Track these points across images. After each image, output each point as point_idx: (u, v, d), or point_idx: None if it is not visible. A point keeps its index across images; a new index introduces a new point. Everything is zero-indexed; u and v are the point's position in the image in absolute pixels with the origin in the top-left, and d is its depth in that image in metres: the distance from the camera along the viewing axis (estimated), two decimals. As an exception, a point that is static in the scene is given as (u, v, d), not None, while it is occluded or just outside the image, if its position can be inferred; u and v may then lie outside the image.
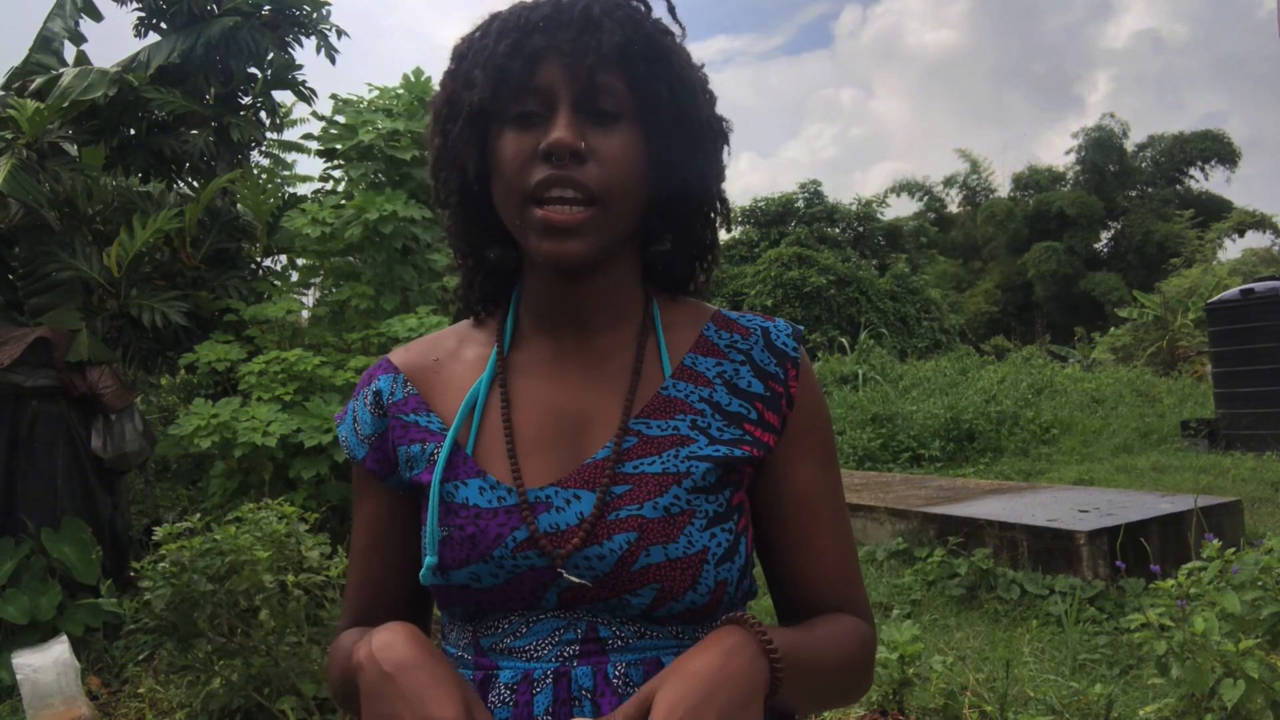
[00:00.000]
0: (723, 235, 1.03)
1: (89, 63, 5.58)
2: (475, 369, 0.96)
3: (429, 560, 0.87)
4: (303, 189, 6.57)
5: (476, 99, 0.86)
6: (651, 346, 0.94)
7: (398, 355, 1.01)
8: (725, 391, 0.92)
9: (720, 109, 0.96)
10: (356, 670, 0.79)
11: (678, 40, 0.91)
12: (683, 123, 0.89)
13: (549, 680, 0.84)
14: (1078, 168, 29.98)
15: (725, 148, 0.95)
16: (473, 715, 0.75)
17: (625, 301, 0.95)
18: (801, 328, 1.01)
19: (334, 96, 5.47)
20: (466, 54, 0.90)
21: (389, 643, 0.78)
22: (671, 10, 0.92)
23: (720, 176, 0.96)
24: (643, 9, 0.90)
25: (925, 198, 32.75)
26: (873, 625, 0.95)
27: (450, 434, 0.90)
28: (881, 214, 27.62)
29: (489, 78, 0.86)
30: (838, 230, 26.02)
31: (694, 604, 0.85)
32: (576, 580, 0.84)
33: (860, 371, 14.42)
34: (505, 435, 0.89)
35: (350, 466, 1.05)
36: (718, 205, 0.97)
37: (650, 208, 0.91)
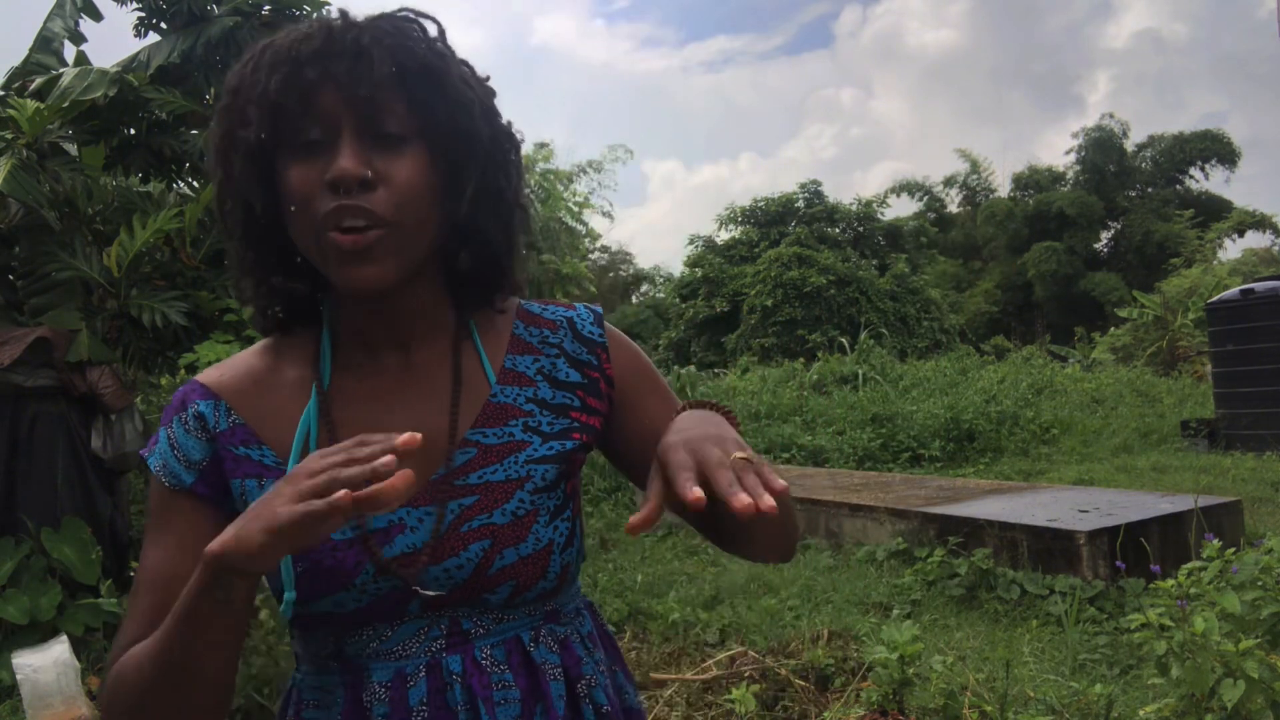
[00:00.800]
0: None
1: (88, 63, 5.58)
2: (297, 393, 0.95)
3: (288, 596, 0.88)
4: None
5: (253, 136, 0.86)
6: (470, 354, 0.98)
7: (210, 379, 0.97)
8: (548, 386, 0.98)
9: (505, 120, 0.96)
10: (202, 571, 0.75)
11: (455, 60, 0.92)
12: (465, 139, 0.89)
13: (422, 674, 0.89)
14: (1078, 168, 29.99)
15: (517, 159, 0.96)
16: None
17: (437, 314, 0.97)
18: (599, 309, 1.05)
19: (334, 96, 5.47)
20: (239, 89, 0.88)
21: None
22: (442, 34, 0.92)
23: (516, 185, 0.96)
24: (416, 32, 0.90)
25: (925, 198, 32.77)
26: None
27: (290, 470, 0.87)
28: (881, 214, 27.64)
29: (264, 114, 0.85)
30: (838, 230, 26.03)
31: (544, 589, 0.94)
32: (434, 594, 0.89)
33: (860, 371, 14.42)
34: None
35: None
36: (515, 212, 0.97)
37: (447, 222, 0.92)
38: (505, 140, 0.95)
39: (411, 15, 0.91)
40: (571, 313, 1.02)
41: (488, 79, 0.96)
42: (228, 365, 0.98)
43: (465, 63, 0.93)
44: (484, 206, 0.93)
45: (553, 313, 1.02)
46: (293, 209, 0.86)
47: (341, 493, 0.69)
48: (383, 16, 0.90)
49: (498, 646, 0.92)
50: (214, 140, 0.92)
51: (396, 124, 0.86)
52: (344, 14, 0.89)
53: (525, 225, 0.99)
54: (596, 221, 33.94)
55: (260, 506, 0.74)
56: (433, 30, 0.91)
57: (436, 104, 0.87)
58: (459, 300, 0.99)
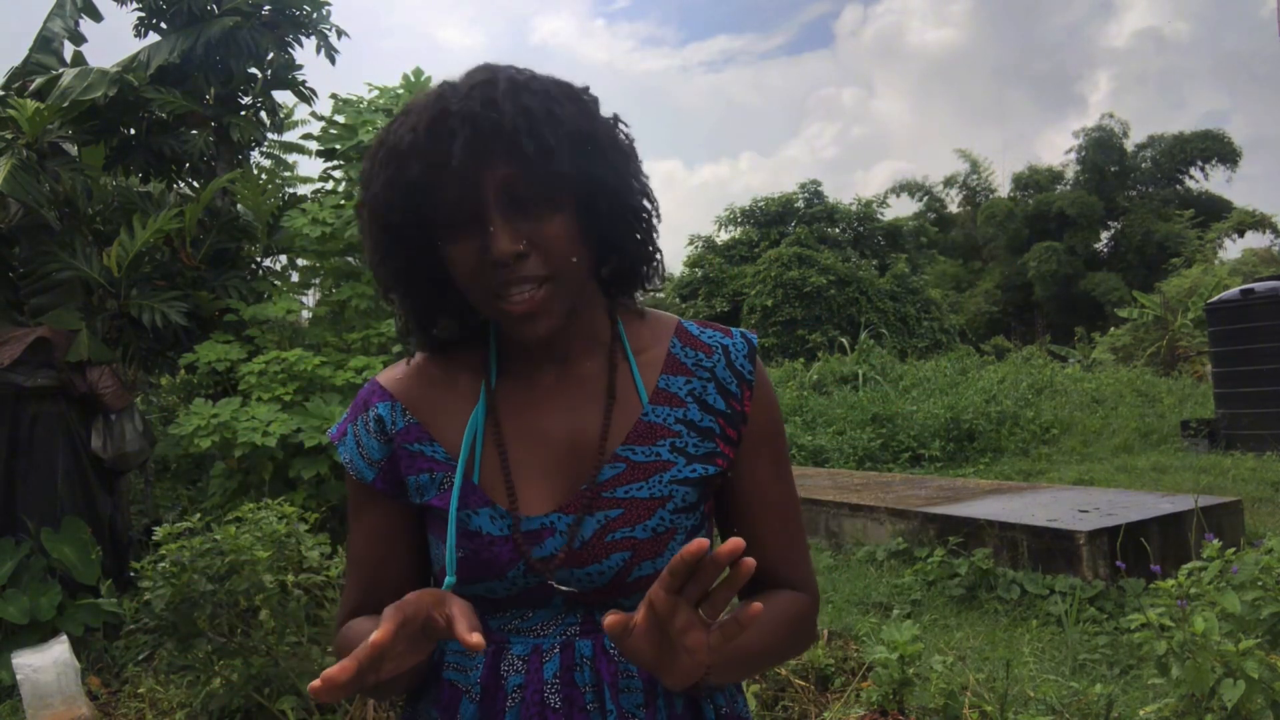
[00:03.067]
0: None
1: (86, 63, 5.58)
2: (466, 397, 1.04)
3: (449, 580, 0.98)
4: (303, 189, 6.56)
5: (400, 220, 0.92)
6: (625, 371, 1.04)
7: (388, 380, 1.07)
8: (697, 409, 1.03)
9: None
10: None
11: (596, 118, 0.94)
12: (605, 188, 0.94)
13: (556, 650, 0.98)
14: (1078, 168, 29.99)
15: (640, 169, 0.99)
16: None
17: (594, 327, 1.04)
18: (755, 338, 1.09)
19: (334, 96, 5.47)
20: (374, 175, 0.93)
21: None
22: (585, 89, 0.96)
23: (645, 193, 1.00)
24: (554, 92, 0.91)
25: (925, 198, 32.76)
26: (815, 595, 1.09)
27: (460, 467, 0.99)
28: (881, 214, 27.63)
29: (407, 201, 0.90)
30: (838, 230, 26.02)
31: None
32: (573, 590, 0.98)
33: (860, 371, 14.42)
34: (503, 468, 0.99)
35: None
36: (648, 212, 1.01)
37: (595, 252, 0.98)
38: (633, 164, 0.98)
39: (554, 82, 0.93)
40: (729, 340, 1.06)
41: (613, 119, 0.98)
42: (404, 368, 1.08)
43: (613, 117, 0.97)
44: (622, 228, 0.98)
45: (710, 336, 1.06)
46: (463, 281, 0.94)
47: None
48: (526, 87, 0.89)
49: None
50: (362, 215, 0.97)
51: (541, 192, 0.90)
52: (491, 81, 0.89)
53: (657, 211, 1.02)
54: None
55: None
56: (576, 87, 0.94)
57: (590, 167, 0.91)
58: (612, 308, 1.06)
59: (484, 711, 0.99)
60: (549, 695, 0.97)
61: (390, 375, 1.08)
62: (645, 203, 1.00)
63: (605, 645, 0.99)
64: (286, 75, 5.95)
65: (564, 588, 0.97)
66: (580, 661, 0.98)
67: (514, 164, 0.88)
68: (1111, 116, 30.32)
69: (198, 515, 3.46)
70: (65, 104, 4.85)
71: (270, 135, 6.44)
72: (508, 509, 0.98)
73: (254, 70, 5.87)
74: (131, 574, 3.51)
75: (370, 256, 0.99)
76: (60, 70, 5.28)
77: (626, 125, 0.99)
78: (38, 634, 3.91)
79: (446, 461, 1.01)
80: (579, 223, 0.93)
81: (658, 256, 1.04)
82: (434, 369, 1.06)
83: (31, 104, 4.73)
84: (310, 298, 5.94)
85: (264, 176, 5.80)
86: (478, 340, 1.07)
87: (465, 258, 0.91)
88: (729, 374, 1.04)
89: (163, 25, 5.72)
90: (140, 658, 3.92)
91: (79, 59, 5.69)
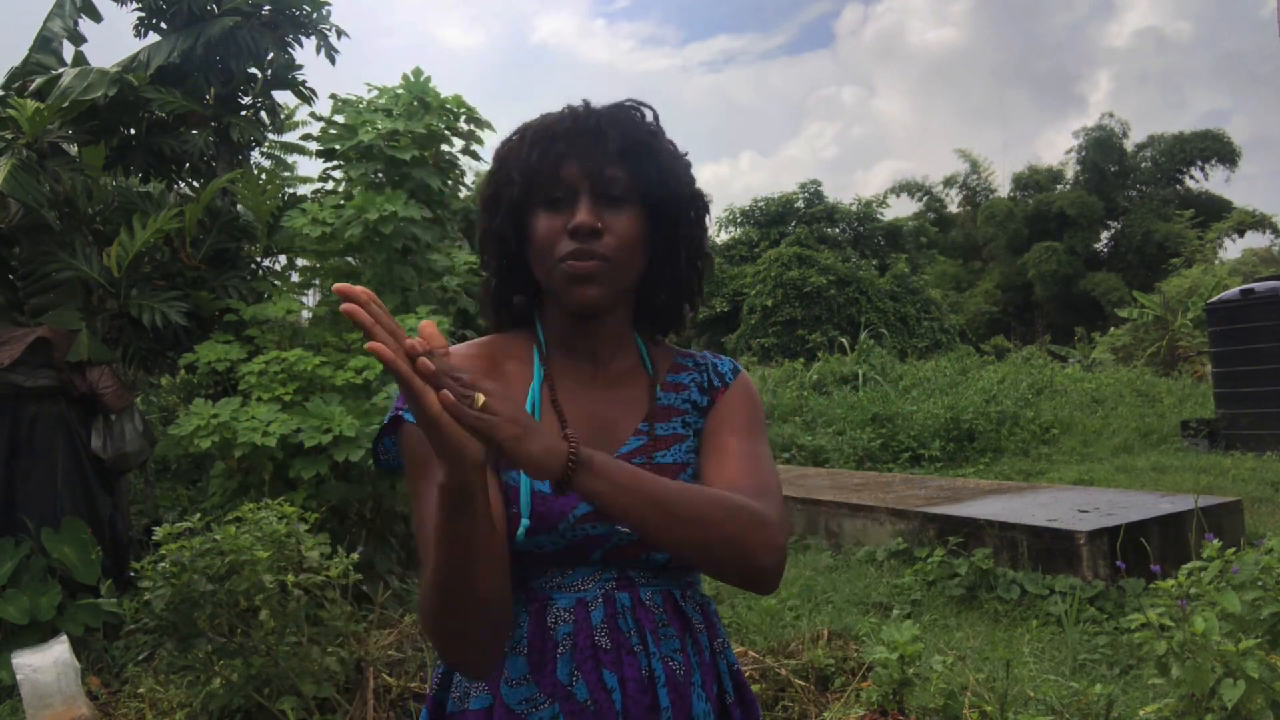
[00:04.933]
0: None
1: (85, 63, 5.57)
2: (519, 375, 1.21)
3: (524, 523, 1.09)
4: (303, 189, 6.55)
5: (515, 193, 1.17)
6: (644, 372, 1.26)
7: (455, 356, 1.15)
8: (697, 391, 1.26)
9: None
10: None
11: (664, 138, 1.20)
12: (670, 200, 1.18)
13: (599, 601, 1.12)
14: (1077, 168, 29.99)
15: (707, 217, 1.25)
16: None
17: (624, 339, 1.25)
18: (739, 365, 1.32)
19: (334, 96, 5.46)
20: (506, 158, 1.19)
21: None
22: (656, 118, 1.21)
23: (704, 235, 1.25)
24: (638, 116, 1.18)
25: (925, 198, 32.77)
26: (774, 515, 1.09)
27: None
28: (881, 214, 27.64)
29: (524, 177, 1.15)
30: (838, 230, 26.04)
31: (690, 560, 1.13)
32: (628, 533, 1.08)
33: (860, 371, 14.43)
34: (562, 431, 1.14)
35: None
36: (702, 262, 1.26)
37: (649, 266, 1.20)
38: (700, 201, 1.23)
39: (634, 104, 1.20)
40: (718, 360, 1.30)
41: (687, 154, 1.24)
42: (463, 347, 1.24)
43: (672, 142, 1.21)
44: (682, 255, 1.21)
45: (702, 357, 1.31)
46: (539, 248, 1.15)
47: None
48: (616, 106, 1.19)
49: (657, 594, 1.15)
50: (483, 197, 1.23)
51: (621, 188, 1.14)
52: (587, 104, 1.18)
53: (709, 272, 1.29)
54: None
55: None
56: (649, 116, 1.20)
57: (651, 173, 1.15)
58: (640, 327, 1.28)
59: (533, 663, 1.10)
60: (599, 639, 1.10)
61: (455, 349, 1.19)
62: (701, 240, 1.24)
63: (641, 597, 1.13)
64: (286, 75, 5.94)
65: (624, 529, 1.07)
66: (622, 610, 1.12)
67: (619, 167, 1.13)
68: (1112, 116, 30.36)
69: (198, 515, 3.46)
70: (65, 104, 4.85)
71: (270, 135, 6.44)
72: None
73: (254, 70, 5.87)
74: (131, 574, 3.51)
75: (486, 224, 1.21)
76: (60, 70, 5.27)
77: (709, 198, 1.25)
78: (38, 634, 3.91)
79: None
80: (642, 230, 1.16)
81: (699, 293, 1.28)
82: (486, 352, 1.22)
83: (31, 104, 4.73)
84: (310, 298, 5.93)
85: (264, 176, 5.79)
86: (528, 331, 1.25)
87: (550, 227, 1.13)
88: (713, 378, 1.27)
89: (163, 25, 5.72)
90: (140, 658, 3.92)
91: (79, 59, 5.68)
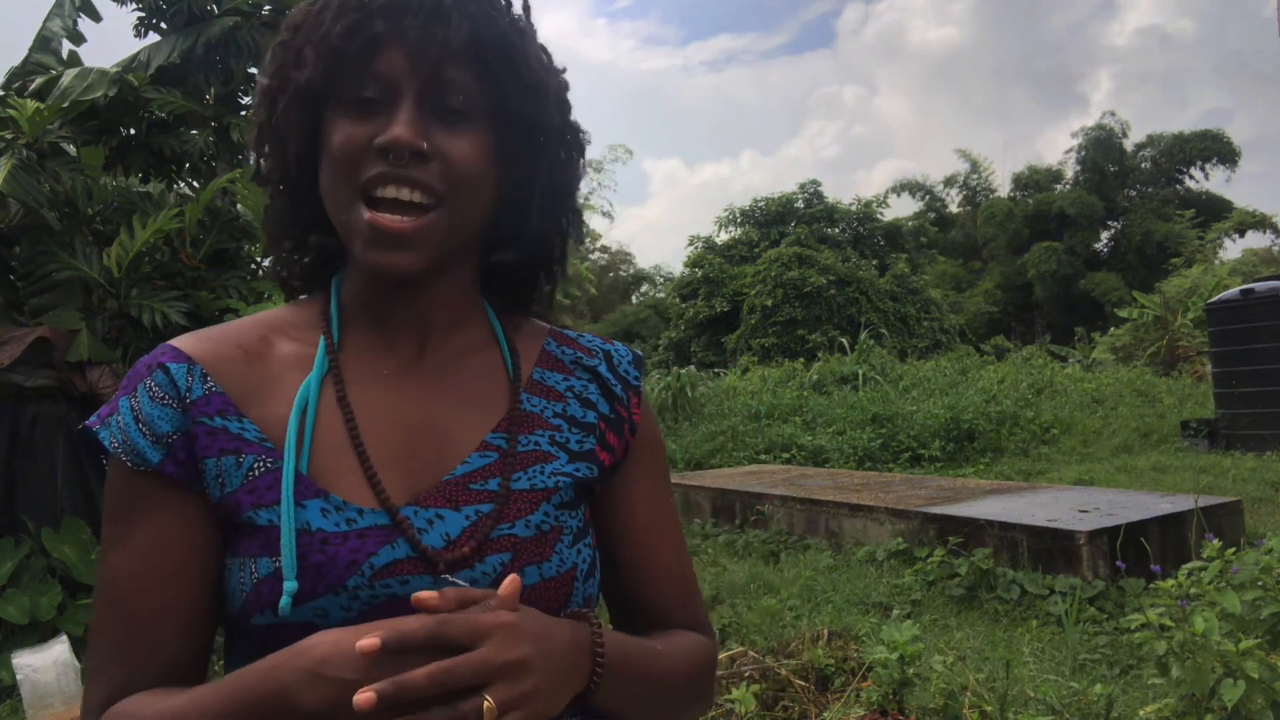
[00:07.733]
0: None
1: (81, 63, 5.58)
2: (292, 366, 0.83)
3: (289, 585, 0.72)
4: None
5: (304, 79, 0.79)
6: (495, 358, 0.89)
7: (186, 343, 0.83)
8: (578, 405, 0.90)
9: (576, 117, 0.89)
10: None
11: (535, 41, 0.85)
12: (534, 126, 0.83)
13: None
14: (1077, 167, 30.01)
15: (581, 160, 0.90)
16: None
17: (464, 310, 0.89)
18: (640, 354, 0.99)
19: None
20: (300, 26, 0.82)
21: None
22: (526, 9, 0.85)
23: (575, 188, 0.90)
24: (500, 2, 0.82)
25: (925, 198, 32.80)
26: (714, 640, 0.94)
27: (289, 447, 0.77)
28: (881, 214, 27.65)
29: (321, 58, 0.78)
30: (838, 230, 26.04)
31: None
32: (464, 585, 0.75)
33: (860, 371, 14.42)
34: (355, 447, 0.79)
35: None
36: (569, 217, 0.91)
37: (495, 215, 0.85)
38: (573, 136, 0.88)
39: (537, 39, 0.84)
40: (610, 346, 0.96)
41: (564, 70, 0.88)
42: (208, 331, 0.85)
43: (544, 47, 0.86)
44: (542, 202, 0.86)
45: (589, 340, 0.96)
46: (332, 166, 0.78)
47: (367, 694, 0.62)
48: (509, 12, 0.82)
49: None
50: (263, 78, 0.85)
51: (462, 99, 0.78)
52: None
53: (578, 233, 0.92)
54: (596, 221, 33.97)
55: (317, 662, 0.65)
56: (517, 5, 0.84)
57: (510, 83, 0.80)
58: (492, 299, 0.92)
59: None
60: None
61: (189, 337, 0.84)
62: (570, 187, 0.89)
63: None
64: (286, 75, 5.96)
65: (452, 578, 0.76)
66: None
67: (464, 67, 0.78)
68: (1112, 115, 30.41)
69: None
70: (65, 104, 4.85)
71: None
72: (357, 500, 0.77)
73: (254, 70, 5.87)
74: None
75: (264, 119, 0.84)
76: (60, 70, 5.28)
77: (587, 135, 0.90)
78: (38, 634, 3.91)
79: (259, 443, 0.78)
80: (489, 162, 0.81)
81: (560, 265, 0.93)
82: (250, 333, 0.85)
83: (31, 104, 4.73)
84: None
85: (264, 176, 5.80)
86: (316, 305, 0.88)
87: (352, 137, 0.77)
88: (613, 377, 0.93)
89: (163, 25, 5.73)
90: (140, 658, 3.92)
91: (78, 59, 5.69)
